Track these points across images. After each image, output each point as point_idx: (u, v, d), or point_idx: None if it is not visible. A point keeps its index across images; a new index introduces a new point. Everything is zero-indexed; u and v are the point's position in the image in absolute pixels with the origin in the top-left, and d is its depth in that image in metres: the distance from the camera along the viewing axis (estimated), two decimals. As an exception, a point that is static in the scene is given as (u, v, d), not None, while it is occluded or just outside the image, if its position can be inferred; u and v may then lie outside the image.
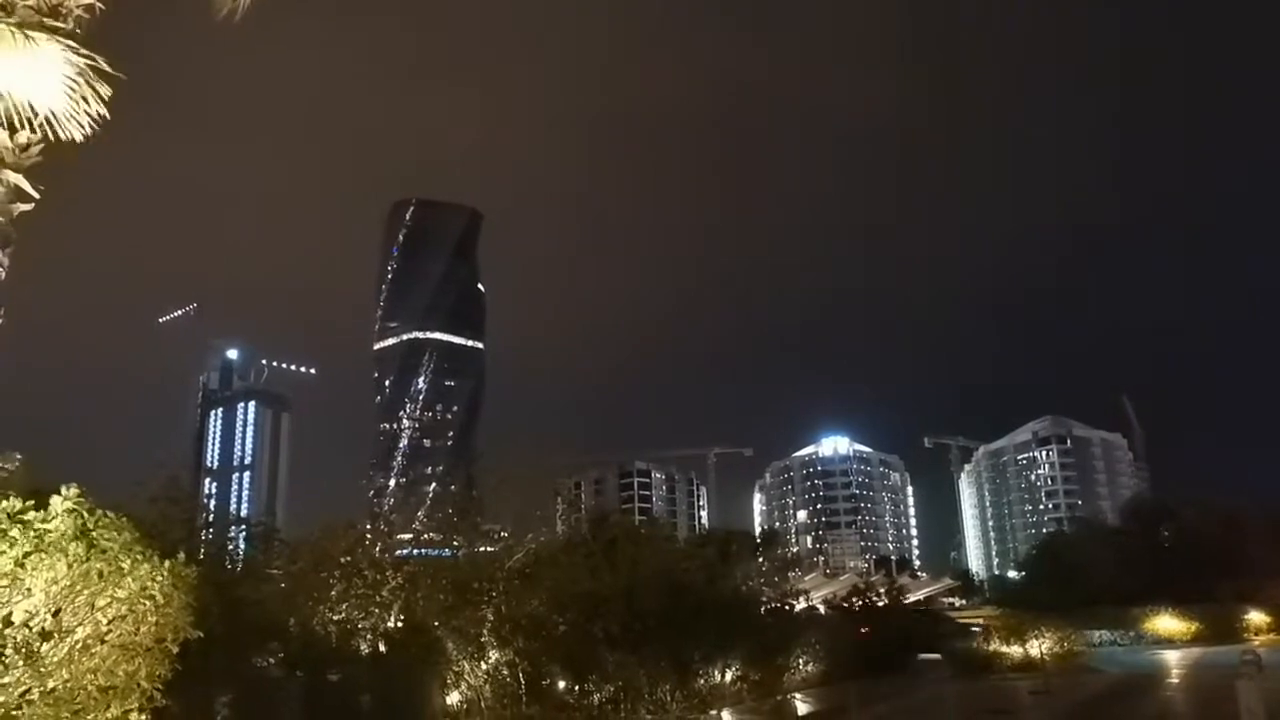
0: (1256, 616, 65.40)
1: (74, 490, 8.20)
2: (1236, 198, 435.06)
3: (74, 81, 6.05)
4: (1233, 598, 64.50)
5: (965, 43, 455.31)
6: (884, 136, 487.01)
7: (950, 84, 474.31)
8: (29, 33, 5.84)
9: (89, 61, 6.10)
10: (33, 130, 6.50)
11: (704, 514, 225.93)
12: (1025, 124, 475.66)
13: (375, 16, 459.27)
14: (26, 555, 7.68)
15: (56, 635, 7.67)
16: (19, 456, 8.79)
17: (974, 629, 57.38)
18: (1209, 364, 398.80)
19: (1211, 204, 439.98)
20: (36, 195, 6.69)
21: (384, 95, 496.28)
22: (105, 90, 6.18)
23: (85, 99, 6.07)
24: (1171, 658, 50.81)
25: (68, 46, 6.06)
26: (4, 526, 7.77)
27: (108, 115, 6.23)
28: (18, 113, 6.30)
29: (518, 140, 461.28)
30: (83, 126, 6.17)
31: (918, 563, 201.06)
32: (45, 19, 6.13)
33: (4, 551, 7.62)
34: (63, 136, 6.26)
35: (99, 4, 6.69)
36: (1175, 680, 39.68)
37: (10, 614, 7.53)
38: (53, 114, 6.15)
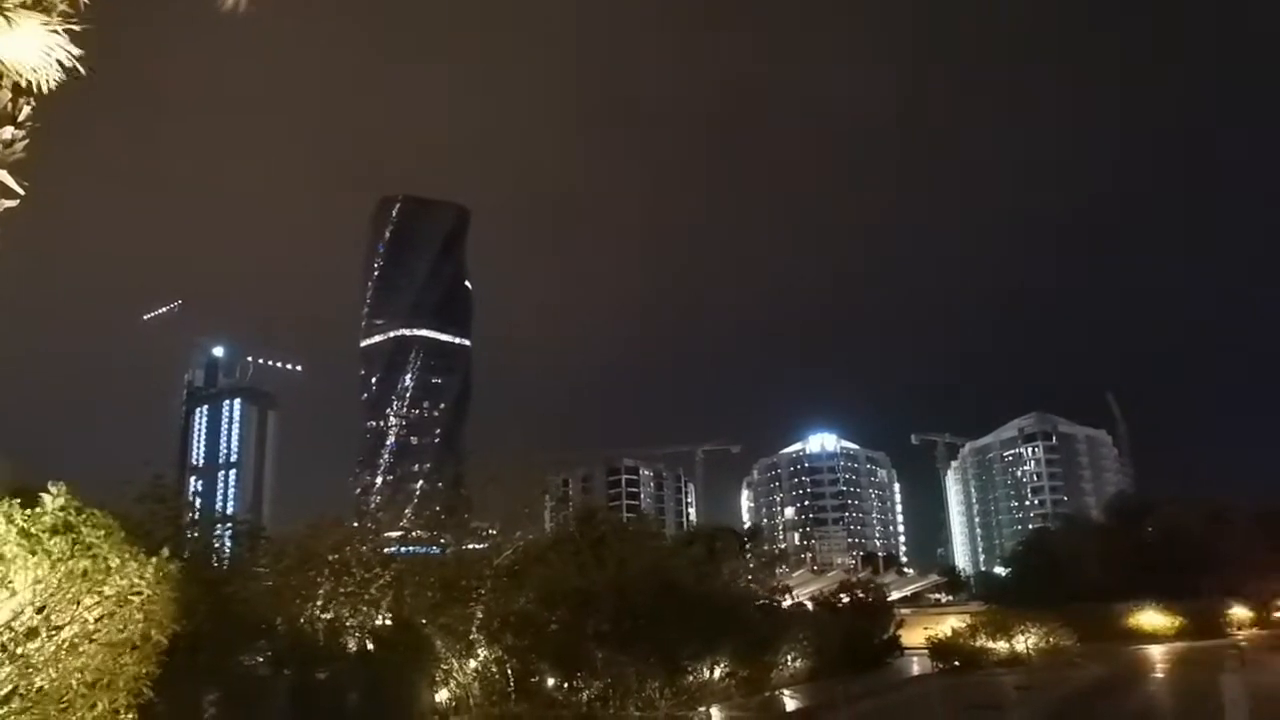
0: (1239, 611, 66.10)
1: (62, 487, 8.15)
2: (1237, 198, 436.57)
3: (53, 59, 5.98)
4: (1216, 592, 65.16)
5: (965, 43, 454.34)
6: (884, 135, 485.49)
7: (950, 84, 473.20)
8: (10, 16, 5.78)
9: (67, 26, 6.03)
10: (17, 127, 6.43)
11: (692, 511, 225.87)
12: (1024, 124, 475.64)
13: (371, 13, 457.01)
14: (11, 551, 7.62)
15: (43, 634, 7.62)
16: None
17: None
18: (1194, 363, 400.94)
19: (1211, 203, 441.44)
20: (21, 192, 6.60)
21: (377, 91, 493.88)
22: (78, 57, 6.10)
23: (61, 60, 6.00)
24: (1155, 652, 51.21)
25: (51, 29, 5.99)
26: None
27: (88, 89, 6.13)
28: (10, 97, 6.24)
29: (513, 137, 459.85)
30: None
31: (905, 559, 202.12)
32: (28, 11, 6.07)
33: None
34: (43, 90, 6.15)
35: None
36: (1160, 675, 39.98)
37: (-4, 613, 7.47)
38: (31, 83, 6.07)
